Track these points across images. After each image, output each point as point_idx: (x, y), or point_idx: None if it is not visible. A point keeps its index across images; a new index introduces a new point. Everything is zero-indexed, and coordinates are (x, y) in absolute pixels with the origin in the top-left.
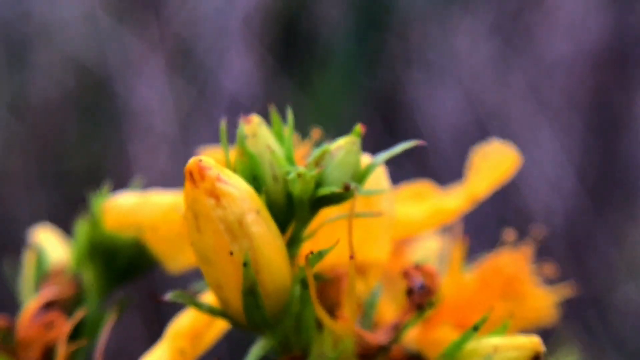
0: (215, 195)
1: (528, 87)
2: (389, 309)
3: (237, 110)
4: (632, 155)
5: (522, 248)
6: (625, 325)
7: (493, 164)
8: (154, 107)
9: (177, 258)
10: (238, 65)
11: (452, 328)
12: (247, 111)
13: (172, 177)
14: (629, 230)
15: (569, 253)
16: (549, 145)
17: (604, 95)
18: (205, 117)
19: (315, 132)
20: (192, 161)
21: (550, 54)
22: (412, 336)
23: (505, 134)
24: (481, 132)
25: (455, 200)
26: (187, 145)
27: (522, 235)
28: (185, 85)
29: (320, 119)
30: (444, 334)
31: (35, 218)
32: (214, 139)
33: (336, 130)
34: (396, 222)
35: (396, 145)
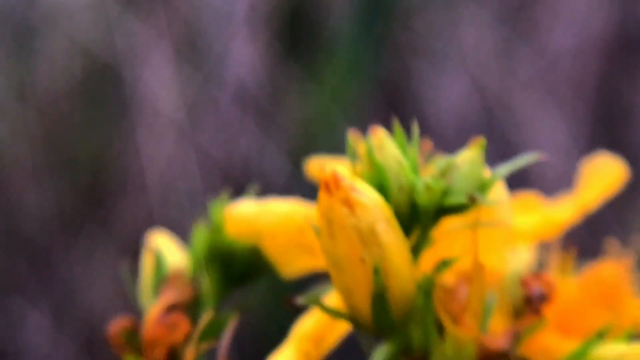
0: (350, 204)
1: (534, 76)
2: (494, 320)
3: (243, 97)
4: (638, 144)
5: (623, 257)
6: None
7: (602, 175)
8: (161, 93)
9: (292, 264)
10: (244, 52)
11: (559, 336)
12: (254, 98)
13: (179, 164)
14: (636, 219)
15: (575, 242)
16: (555, 134)
17: (610, 83)
18: (212, 104)
19: (426, 144)
20: (327, 171)
21: (556, 43)
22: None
23: (511, 123)
24: (487, 120)
25: (565, 211)
26: (193, 132)
27: None
28: (192, 73)
29: (326, 106)
30: (552, 342)
31: (42, 205)
32: (220, 125)
33: (343, 117)
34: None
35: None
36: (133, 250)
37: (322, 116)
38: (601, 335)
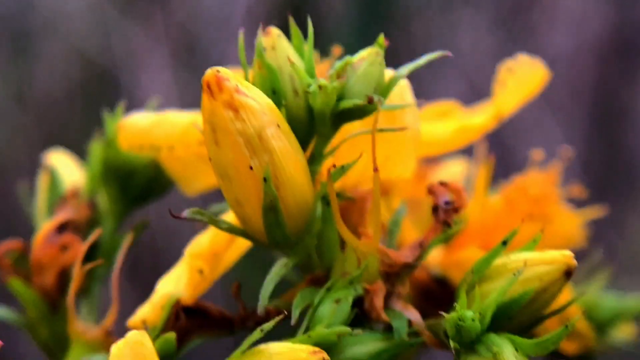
0: (234, 107)
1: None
2: (411, 233)
3: None
4: (635, 147)
5: (549, 169)
6: None
7: (520, 79)
8: (159, 98)
9: (194, 180)
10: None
11: (478, 250)
12: None
13: None
14: (633, 221)
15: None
16: (552, 137)
17: (607, 87)
18: None
19: (336, 49)
20: (209, 72)
21: (553, 47)
22: (435, 260)
23: (508, 126)
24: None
25: (482, 117)
26: None
27: None
28: (190, 77)
29: None
30: (470, 255)
31: None
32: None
33: None
34: (421, 139)
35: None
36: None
37: None
38: (505, 243)
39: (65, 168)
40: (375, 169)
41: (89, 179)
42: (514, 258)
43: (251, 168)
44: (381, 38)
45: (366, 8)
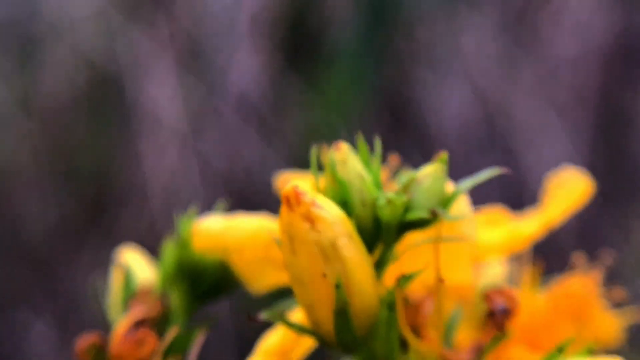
0: (311, 219)
1: (535, 85)
2: (459, 334)
3: (245, 107)
4: (639, 153)
5: (592, 271)
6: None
7: (568, 190)
8: (164, 104)
9: (260, 280)
10: (247, 63)
11: (525, 349)
12: (256, 108)
13: (181, 174)
14: (637, 224)
15: (578, 248)
16: (557, 142)
17: (612, 92)
18: (215, 115)
19: (393, 158)
20: (288, 187)
21: (558, 51)
22: None
23: (512, 131)
24: (488, 128)
25: (531, 226)
26: (196, 142)
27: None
28: (195, 83)
29: (328, 115)
30: (519, 355)
31: (46, 215)
32: (223, 135)
33: (344, 126)
34: (477, 248)
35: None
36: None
37: (324, 126)
38: (562, 349)
39: (137, 265)
40: (441, 279)
41: (162, 277)
42: None
43: (324, 275)
44: (444, 155)
45: (371, 13)
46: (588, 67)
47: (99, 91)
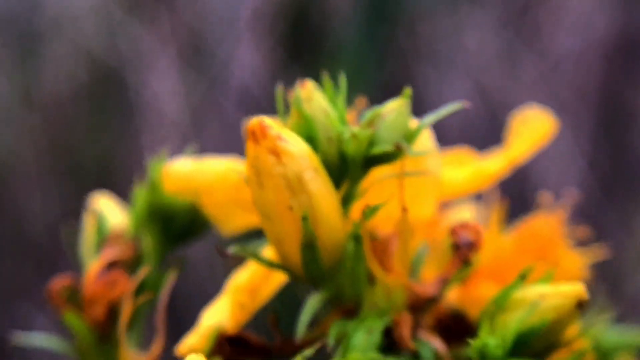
0: (276, 152)
1: (537, 81)
2: (428, 271)
3: (247, 101)
4: None
5: (556, 211)
6: (635, 314)
7: (531, 128)
8: (165, 99)
9: (230, 221)
10: (248, 57)
11: (493, 287)
12: (257, 103)
13: None
14: (639, 220)
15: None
16: (559, 138)
17: (612, 88)
18: (216, 109)
19: (360, 101)
20: (254, 121)
21: (559, 47)
22: (452, 297)
23: None
24: (490, 124)
25: (496, 163)
26: (198, 136)
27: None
28: (196, 78)
29: None
30: (486, 291)
31: (47, 209)
32: (224, 130)
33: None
34: (441, 184)
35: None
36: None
37: None
38: (523, 278)
39: (110, 210)
40: (404, 210)
41: (134, 220)
42: (531, 291)
43: (291, 208)
44: (407, 91)
45: (372, 8)
46: (589, 63)
47: (101, 86)
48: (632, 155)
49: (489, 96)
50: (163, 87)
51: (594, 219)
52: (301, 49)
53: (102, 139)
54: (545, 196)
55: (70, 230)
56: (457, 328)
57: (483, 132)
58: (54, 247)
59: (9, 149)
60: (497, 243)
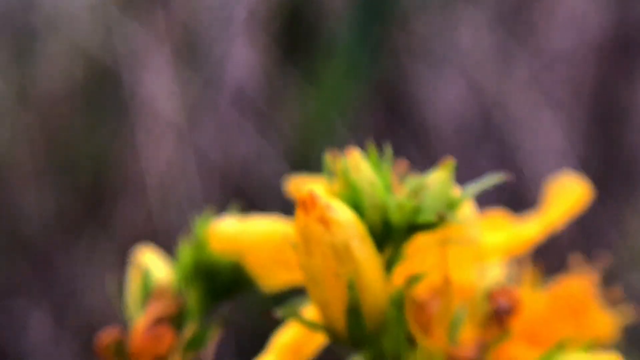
0: (325, 222)
1: (531, 78)
2: (464, 332)
3: (242, 100)
4: (635, 145)
5: (589, 271)
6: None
7: (568, 193)
8: (161, 97)
9: (272, 279)
10: (243, 56)
11: (526, 347)
12: (252, 101)
13: (178, 166)
14: (633, 219)
15: (572, 242)
16: (552, 136)
17: (607, 86)
18: (211, 107)
19: (401, 164)
20: (304, 190)
21: (553, 45)
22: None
23: (508, 124)
24: (484, 121)
25: (532, 228)
26: (193, 134)
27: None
28: (191, 75)
29: (324, 109)
30: (519, 353)
31: (43, 207)
32: (219, 128)
33: (341, 119)
34: (480, 250)
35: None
36: (133, 252)
37: (321, 119)
38: (561, 346)
39: (154, 265)
40: (448, 279)
41: (179, 276)
42: (572, 358)
43: (337, 275)
44: (450, 163)
45: (366, 7)
46: (583, 60)
47: (96, 84)
48: (626, 154)
49: (482, 94)
50: (158, 85)
51: (588, 217)
52: (296, 47)
53: (97, 137)
54: (576, 257)
55: (114, 283)
56: None
57: (477, 129)
58: (49, 243)
59: (4, 147)
60: (530, 304)
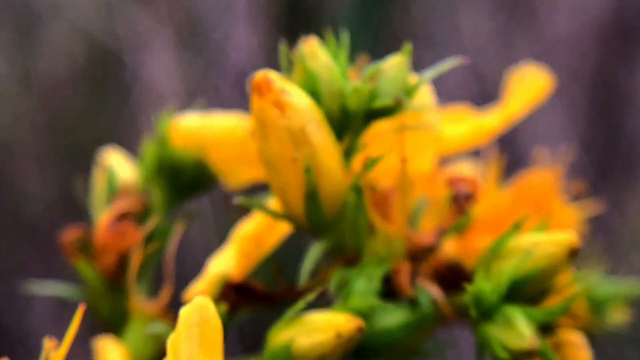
0: (281, 105)
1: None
2: (426, 224)
3: (243, 83)
4: (636, 130)
5: (553, 167)
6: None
7: (528, 85)
8: (162, 80)
9: (236, 176)
10: (244, 39)
11: (490, 239)
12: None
13: None
14: (634, 202)
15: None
16: (553, 119)
17: (607, 70)
18: (213, 90)
19: (362, 58)
20: (259, 74)
21: (554, 29)
22: (450, 249)
23: None
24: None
25: (493, 119)
26: None
27: None
28: (193, 59)
29: None
30: (483, 242)
31: (46, 190)
32: (221, 111)
33: None
34: (439, 139)
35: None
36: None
37: None
38: (517, 227)
39: (119, 165)
40: (404, 160)
41: (142, 174)
42: (525, 239)
43: (294, 160)
44: (408, 46)
45: None
46: (584, 45)
47: (98, 67)
48: (626, 136)
49: (483, 78)
50: (160, 68)
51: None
52: (297, 31)
53: (99, 119)
54: (541, 152)
55: (81, 183)
56: (453, 278)
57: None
58: (52, 227)
59: (7, 130)
60: (494, 197)
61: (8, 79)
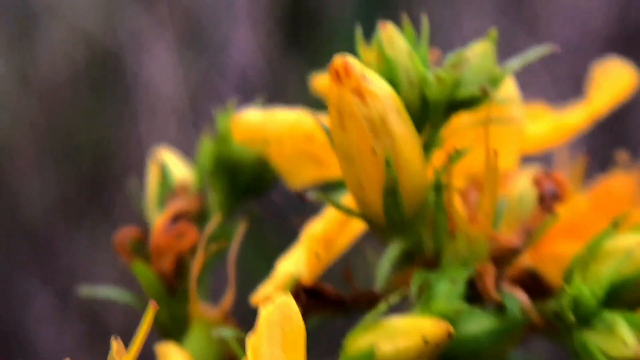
0: (360, 93)
1: (535, 67)
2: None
3: (244, 85)
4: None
5: (633, 171)
6: None
7: (612, 81)
8: (163, 82)
9: (298, 174)
10: (246, 40)
11: (572, 244)
12: (255, 86)
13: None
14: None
15: None
16: None
17: None
18: (214, 92)
19: (434, 52)
20: (337, 59)
21: (557, 34)
22: (524, 257)
23: None
24: None
25: (577, 116)
26: (195, 119)
27: None
28: (194, 60)
29: None
30: (562, 248)
31: (45, 191)
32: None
33: None
34: (524, 134)
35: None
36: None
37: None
38: (615, 226)
39: (173, 164)
40: (494, 154)
41: (199, 172)
42: (624, 240)
43: (374, 152)
44: (493, 32)
45: None
46: (588, 49)
47: (98, 68)
48: (629, 144)
49: None
50: (160, 70)
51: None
52: (298, 32)
53: (99, 121)
54: (621, 155)
55: (134, 184)
56: (532, 286)
57: None
58: (51, 228)
59: (6, 132)
60: (572, 202)
61: (6, 80)
